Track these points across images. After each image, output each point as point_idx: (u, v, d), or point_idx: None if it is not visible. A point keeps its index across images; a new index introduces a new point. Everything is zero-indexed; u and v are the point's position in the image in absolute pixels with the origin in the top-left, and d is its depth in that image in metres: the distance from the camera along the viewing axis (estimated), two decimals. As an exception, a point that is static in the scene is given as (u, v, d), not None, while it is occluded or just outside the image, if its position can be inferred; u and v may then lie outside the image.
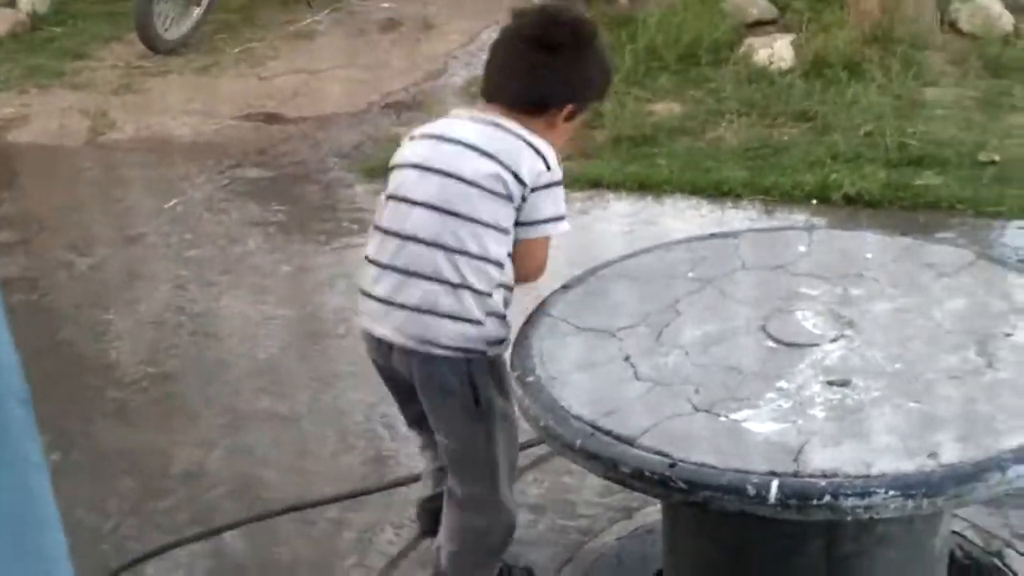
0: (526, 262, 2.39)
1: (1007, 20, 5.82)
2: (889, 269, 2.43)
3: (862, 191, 4.37)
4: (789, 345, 2.19)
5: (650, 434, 1.96)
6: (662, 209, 4.54)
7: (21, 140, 5.71)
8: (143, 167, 5.34)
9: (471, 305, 2.31)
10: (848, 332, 2.21)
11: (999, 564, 2.61)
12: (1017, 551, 2.66)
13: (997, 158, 4.59)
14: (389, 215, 2.38)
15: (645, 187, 4.64)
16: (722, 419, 1.99)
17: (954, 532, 2.52)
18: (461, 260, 2.30)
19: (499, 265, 2.33)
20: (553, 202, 2.36)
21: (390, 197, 2.40)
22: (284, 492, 3.07)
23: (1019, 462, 1.82)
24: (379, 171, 4.95)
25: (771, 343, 2.21)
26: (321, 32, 6.97)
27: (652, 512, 2.74)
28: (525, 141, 2.34)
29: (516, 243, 2.36)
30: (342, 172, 5.10)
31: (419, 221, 2.32)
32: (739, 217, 4.41)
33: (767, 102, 5.23)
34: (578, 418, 2.03)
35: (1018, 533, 2.71)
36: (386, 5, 7.20)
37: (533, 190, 2.33)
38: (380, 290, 2.37)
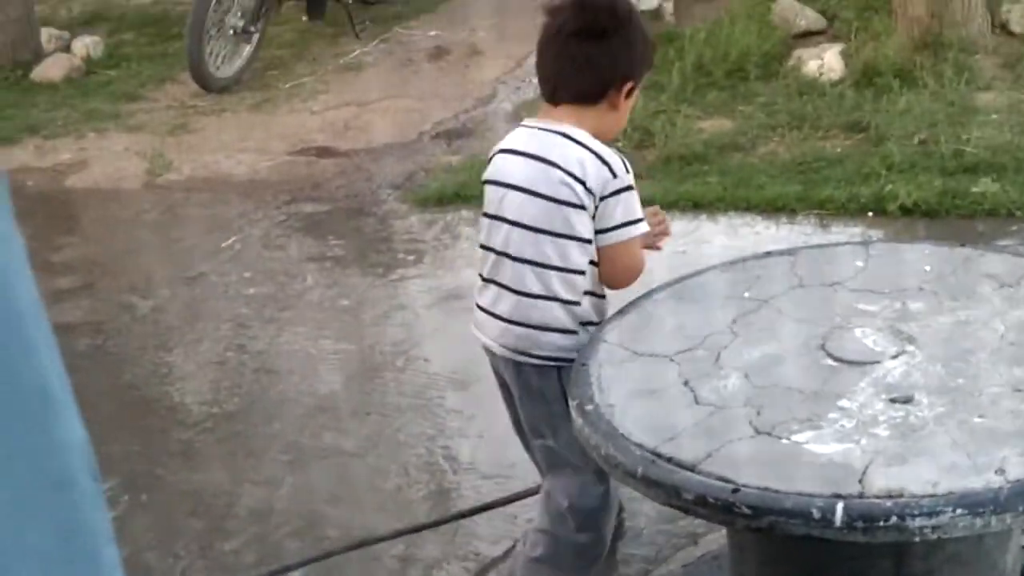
0: (609, 269, 2.48)
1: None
2: (948, 282, 2.40)
3: (918, 201, 4.32)
4: (849, 363, 2.17)
5: (711, 459, 1.95)
6: (716, 227, 4.52)
7: (80, 185, 5.80)
8: (200, 206, 5.41)
9: (562, 316, 2.45)
10: (909, 348, 2.19)
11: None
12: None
13: (1057, 164, 4.54)
14: (484, 233, 2.55)
15: (698, 206, 4.62)
16: (784, 441, 1.97)
17: (1026, 547, 2.48)
18: (548, 273, 2.44)
19: (582, 273, 2.45)
20: (624, 207, 2.43)
21: (484, 215, 2.55)
22: (349, 528, 3.08)
23: (1089, 476, 1.79)
24: (432, 201, 5.00)
25: (831, 361, 2.19)
26: (370, 63, 7.03)
27: (718, 538, 2.72)
28: (590, 151, 2.43)
29: (598, 251, 2.46)
30: (396, 203, 5.13)
31: (508, 239, 2.47)
32: (794, 233, 4.38)
33: (818, 114, 5.19)
34: (639, 445, 2.02)
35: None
36: (433, 33, 7.26)
37: (603, 198, 2.42)
38: (484, 301, 2.55)
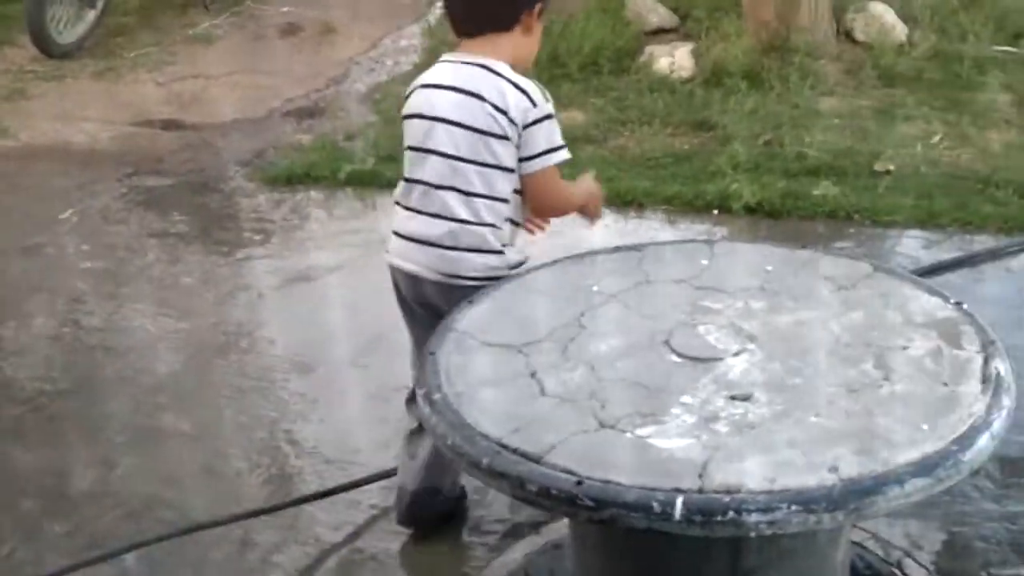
0: (535, 196, 2.63)
1: (901, 30, 5.96)
2: (789, 282, 2.46)
3: (762, 201, 4.44)
4: (693, 359, 2.21)
5: (557, 451, 1.96)
6: (566, 219, 4.54)
7: (-90, 148, 5.55)
8: (37, 176, 5.22)
9: (491, 239, 2.58)
10: (750, 346, 2.24)
11: (898, 574, 2.67)
12: (916, 561, 2.71)
13: (892, 168, 4.70)
14: (408, 165, 2.65)
15: (549, 197, 4.64)
16: (628, 435, 2.00)
17: (854, 543, 2.57)
18: (475, 201, 2.56)
19: (506, 202, 2.59)
20: (546, 135, 2.57)
21: (407, 148, 2.65)
22: (186, 512, 3.01)
23: (917, 475, 1.86)
24: (281, 180, 4.92)
25: (675, 357, 2.23)
26: (220, 36, 6.89)
27: (560, 527, 2.74)
28: (510, 81, 2.55)
29: (523, 179, 2.59)
30: (243, 181, 5.03)
31: (433, 169, 2.58)
32: (643, 227, 4.45)
33: (668, 111, 5.28)
34: (485, 436, 2.02)
35: (917, 543, 2.77)
36: (286, 9, 7.14)
37: (525, 127, 2.54)
38: (409, 230, 2.64)
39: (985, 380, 2.08)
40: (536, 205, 2.66)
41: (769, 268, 2.53)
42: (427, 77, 2.64)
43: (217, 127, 5.58)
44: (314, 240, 4.48)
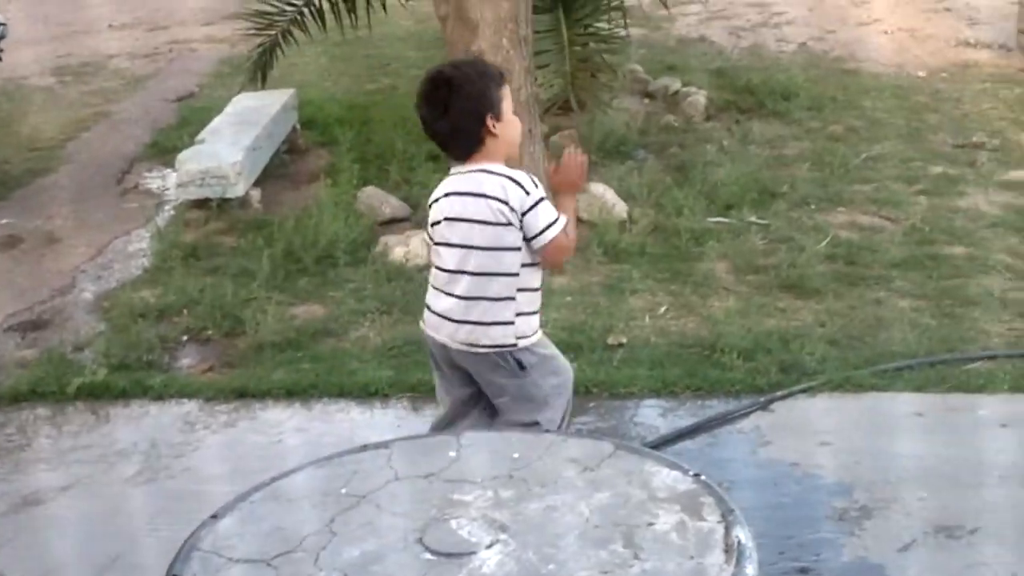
0: (548, 259, 3.22)
1: (621, 208, 6.26)
2: (535, 468, 2.49)
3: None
4: (447, 555, 2.20)
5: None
6: (311, 414, 4.50)
7: None
8: None
9: (503, 312, 3.18)
10: (502, 536, 2.24)
11: None
12: None
13: (624, 340, 4.88)
14: (435, 256, 3.27)
15: (292, 394, 4.60)
16: (386, 644, 1.95)
17: None
18: (487, 279, 3.15)
19: (516, 275, 3.16)
20: (543, 215, 3.13)
21: (435, 243, 3.26)
22: None
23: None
24: (5, 399, 4.67)
25: (428, 555, 2.21)
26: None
27: None
28: (506, 176, 3.14)
29: (535, 252, 3.17)
30: (-37, 403, 4.74)
31: (452, 257, 3.19)
32: (388, 417, 4.44)
33: (407, 299, 5.34)
34: (237, 662, 1.93)
35: None
36: (4, 222, 6.89)
37: (523, 214, 3.12)
38: (439, 308, 3.25)
39: (728, 550, 2.14)
40: (549, 264, 3.27)
41: (516, 455, 2.55)
42: (445, 187, 3.23)
43: (-67, 346, 5.28)
44: (43, 460, 4.25)
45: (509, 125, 3.19)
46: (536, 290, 3.24)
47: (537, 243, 3.15)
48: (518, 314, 3.18)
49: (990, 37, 10.04)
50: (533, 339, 3.24)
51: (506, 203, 3.11)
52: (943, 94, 8.65)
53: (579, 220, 6.11)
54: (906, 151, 7.34)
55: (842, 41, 10.13)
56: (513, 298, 3.17)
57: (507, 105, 3.18)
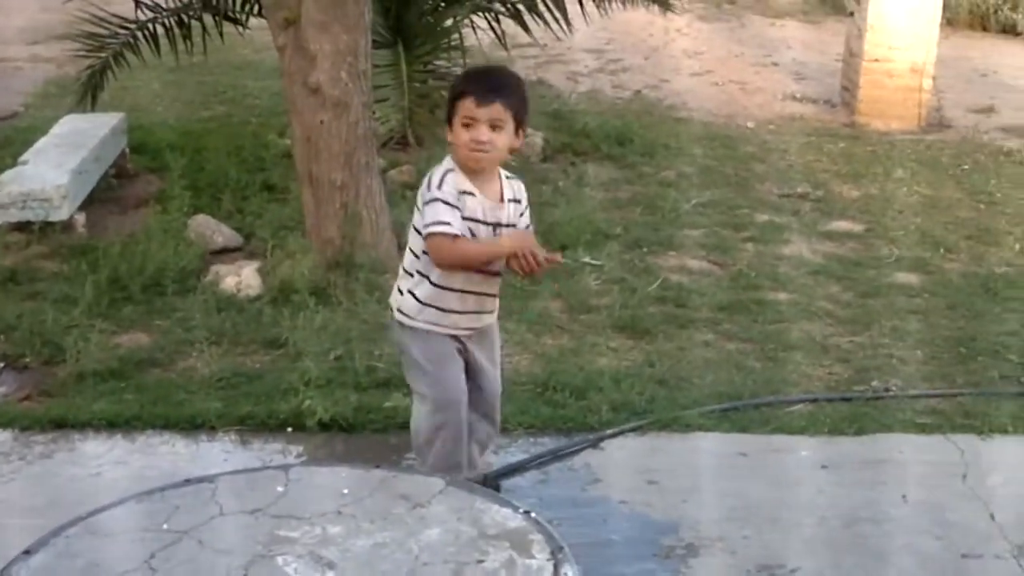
0: (432, 256, 3.48)
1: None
2: (365, 504, 2.46)
3: (335, 416, 4.44)
4: (272, 594, 2.14)
5: None
6: (133, 447, 4.35)
7: None
8: None
9: (401, 278, 3.63)
10: (330, 574, 2.20)
11: None
12: None
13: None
14: None
15: (114, 425, 4.43)
16: None
17: None
18: (406, 250, 3.62)
19: (415, 255, 3.56)
20: (428, 214, 3.42)
21: None
22: None
23: None
24: None
25: (253, 593, 2.15)
26: None
27: None
28: (435, 169, 3.52)
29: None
30: None
31: None
32: (215, 450, 4.33)
33: (237, 330, 5.23)
34: None
35: None
36: None
37: (423, 204, 3.46)
38: None
39: (557, 587, 2.15)
40: (436, 261, 3.47)
41: (345, 491, 2.52)
42: None
43: None
44: None
45: (457, 134, 3.48)
46: (436, 286, 3.52)
47: (424, 234, 3.44)
48: (408, 291, 3.56)
49: (816, 92, 10.44)
50: (409, 322, 3.58)
51: (422, 189, 3.49)
52: (770, 145, 8.94)
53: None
54: (734, 199, 7.55)
55: (676, 90, 10.39)
56: (411, 274, 3.55)
57: (457, 116, 3.46)
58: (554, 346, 5.27)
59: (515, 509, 2.44)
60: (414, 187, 7.11)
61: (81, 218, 6.42)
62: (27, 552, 2.28)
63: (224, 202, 6.72)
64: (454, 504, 2.46)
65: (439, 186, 3.44)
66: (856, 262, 6.55)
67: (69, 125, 7.36)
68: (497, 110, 3.44)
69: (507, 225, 3.57)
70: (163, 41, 7.73)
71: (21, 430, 4.42)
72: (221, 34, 7.81)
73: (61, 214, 6.22)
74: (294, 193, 6.50)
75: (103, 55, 7.79)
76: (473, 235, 3.49)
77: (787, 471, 4.37)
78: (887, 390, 4.96)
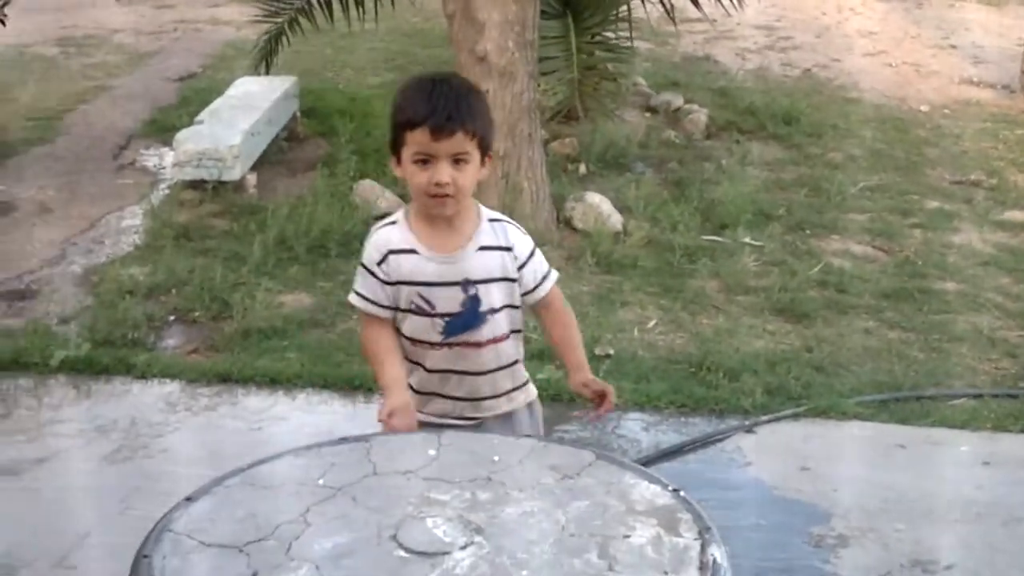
0: None
1: (616, 219, 6.26)
2: (515, 472, 2.47)
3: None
4: (419, 554, 2.17)
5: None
6: (293, 404, 4.48)
7: None
8: None
9: None
10: (477, 538, 2.22)
11: None
12: None
13: (612, 351, 4.86)
14: None
15: (276, 382, 4.57)
16: (353, 639, 1.93)
17: None
18: None
19: None
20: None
21: None
22: None
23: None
24: (-11, 368, 4.64)
25: (402, 552, 2.18)
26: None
27: None
28: None
29: None
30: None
31: None
32: (371, 411, 4.38)
33: (396, 295, 5.32)
34: (202, 646, 1.91)
35: None
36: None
37: None
38: None
39: (702, 567, 2.13)
40: None
41: (496, 458, 2.53)
42: None
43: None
44: (21, 431, 4.22)
45: (408, 174, 2.73)
46: (407, 360, 2.84)
47: None
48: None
49: (994, 77, 10.07)
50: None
51: None
52: (943, 130, 8.67)
53: (574, 229, 6.19)
54: (903, 184, 7.35)
55: (847, 70, 10.15)
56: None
57: (407, 158, 2.70)
58: (709, 326, 5.22)
59: (664, 486, 2.42)
60: (576, 160, 7.18)
61: (252, 178, 6.61)
62: (188, 499, 2.36)
63: (389, 169, 6.80)
64: (603, 477, 2.45)
65: (367, 243, 2.79)
66: (1029, 254, 6.32)
67: (243, 87, 7.58)
68: (459, 141, 2.60)
69: (481, 281, 2.73)
70: (335, 8, 7.86)
71: (188, 382, 4.59)
72: (392, 2, 7.91)
73: (233, 174, 6.40)
74: (457, 162, 6.55)
75: (279, 20, 7.97)
76: (428, 304, 2.72)
77: (946, 465, 4.25)
78: (1056, 388, 4.78)
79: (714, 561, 2.15)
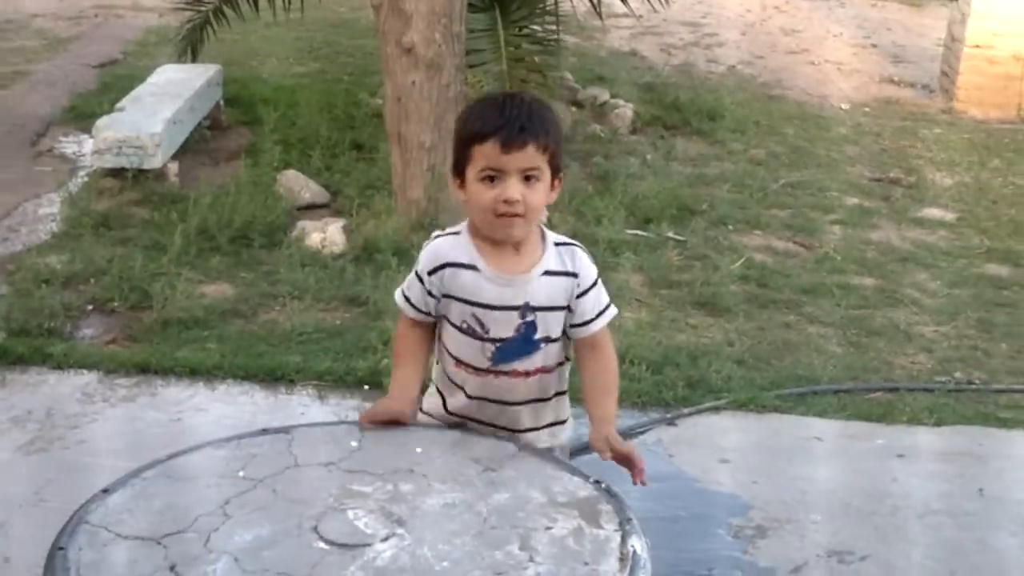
0: None
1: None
2: (437, 464, 2.47)
3: (410, 376, 4.47)
4: (340, 546, 2.17)
5: (196, 653, 1.86)
6: (214, 395, 4.43)
7: None
8: None
9: None
10: (399, 530, 2.22)
11: None
12: None
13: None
14: None
15: (196, 372, 4.52)
16: (272, 631, 1.92)
17: None
18: None
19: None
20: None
21: None
22: None
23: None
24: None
25: (323, 544, 2.17)
26: None
27: None
28: None
29: None
30: None
31: None
32: (293, 403, 4.39)
33: (320, 286, 5.29)
34: (117, 640, 1.89)
35: None
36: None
37: None
38: None
39: (623, 558, 2.15)
40: None
41: (419, 450, 2.53)
42: None
43: None
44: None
45: (472, 193, 2.50)
46: (446, 378, 2.69)
47: None
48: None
49: (914, 76, 10.25)
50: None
51: None
52: (864, 128, 8.81)
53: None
54: (824, 180, 7.46)
55: (770, 68, 10.27)
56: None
57: (472, 175, 2.48)
58: (633, 320, 5.25)
59: (586, 478, 2.44)
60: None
61: (174, 167, 6.53)
62: (105, 491, 2.33)
63: (313, 159, 6.79)
64: (525, 470, 2.46)
65: (423, 249, 2.60)
66: (945, 251, 6.44)
67: (166, 75, 7.48)
68: (531, 155, 2.42)
69: (542, 308, 2.54)
70: (261, -4, 7.80)
71: (106, 373, 4.52)
72: (319, -9, 7.87)
73: (154, 162, 6.32)
74: (382, 153, 6.54)
75: (203, 8, 7.88)
76: (482, 326, 2.54)
77: (862, 458, 4.32)
78: (970, 382, 4.88)
79: (634, 552, 2.17)
